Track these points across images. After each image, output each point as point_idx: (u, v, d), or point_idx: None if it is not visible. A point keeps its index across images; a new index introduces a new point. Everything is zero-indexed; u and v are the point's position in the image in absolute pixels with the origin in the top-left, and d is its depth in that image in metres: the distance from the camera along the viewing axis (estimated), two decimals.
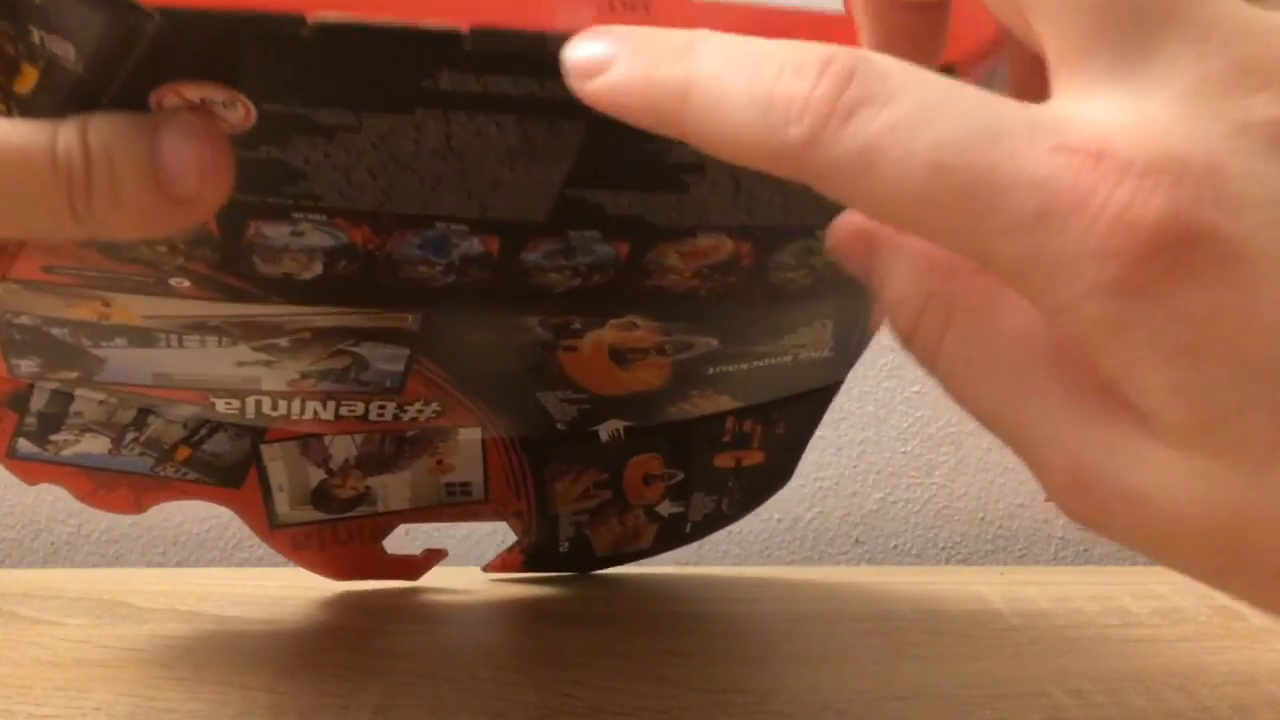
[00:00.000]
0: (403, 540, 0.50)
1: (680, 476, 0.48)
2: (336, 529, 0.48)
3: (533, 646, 0.46)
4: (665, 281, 0.34)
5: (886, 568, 0.66)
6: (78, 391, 0.41)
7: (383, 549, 0.49)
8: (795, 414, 0.48)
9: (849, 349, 0.44)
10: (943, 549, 0.68)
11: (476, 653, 0.45)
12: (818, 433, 0.66)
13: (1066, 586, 0.55)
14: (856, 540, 0.67)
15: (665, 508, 0.49)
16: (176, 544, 0.66)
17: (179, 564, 0.66)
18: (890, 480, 0.67)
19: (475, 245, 0.31)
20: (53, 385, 0.40)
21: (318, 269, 0.31)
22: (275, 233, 0.29)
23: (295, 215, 0.29)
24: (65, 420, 0.42)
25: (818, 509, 0.67)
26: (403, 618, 0.49)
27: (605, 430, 0.46)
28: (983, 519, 0.68)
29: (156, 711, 0.40)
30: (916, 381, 0.66)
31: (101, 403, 0.41)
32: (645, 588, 0.52)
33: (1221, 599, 0.52)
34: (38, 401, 0.41)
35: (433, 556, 0.51)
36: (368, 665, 0.44)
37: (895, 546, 0.68)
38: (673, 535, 0.51)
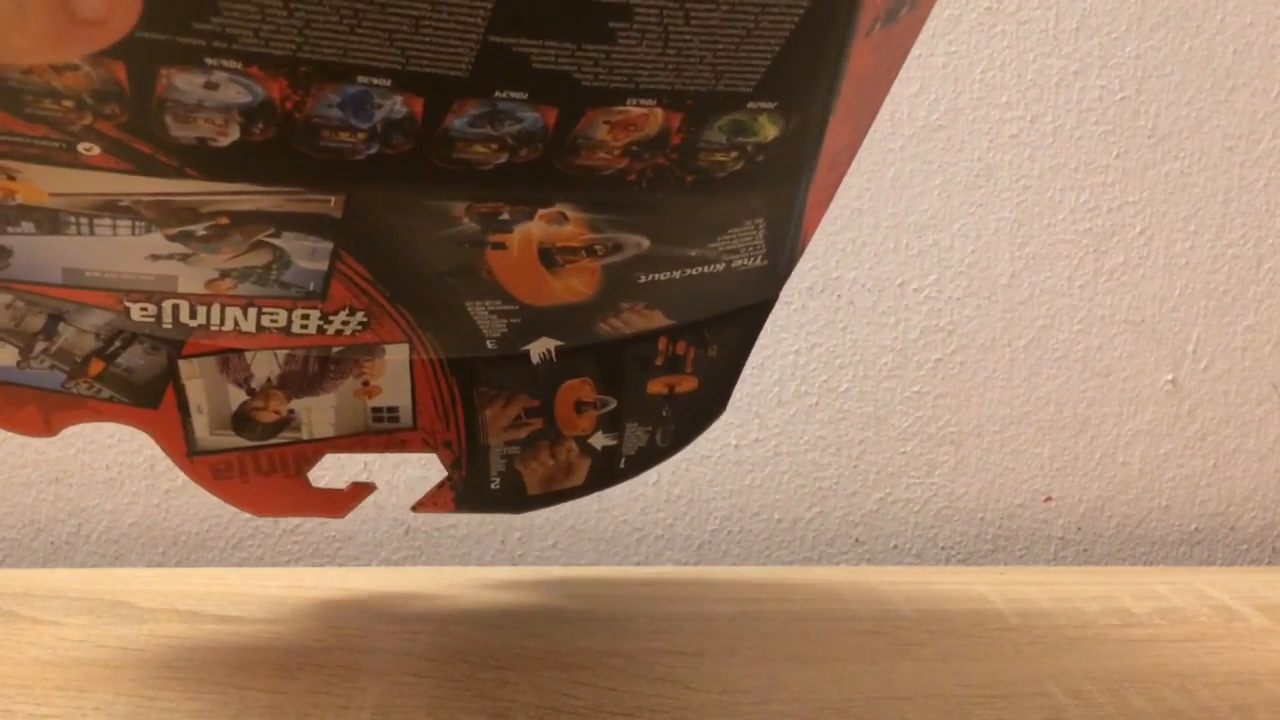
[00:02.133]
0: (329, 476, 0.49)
1: (613, 404, 0.47)
2: (259, 457, 0.46)
3: (533, 646, 0.46)
4: (594, 160, 0.33)
5: (886, 568, 0.66)
6: None
7: (308, 481, 0.48)
8: (728, 336, 0.47)
9: (782, 257, 0.43)
10: (943, 549, 0.68)
11: (476, 653, 0.45)
12: (817, 432, 0.66)
13: (1066, 586, 0.55)
14: (856, 540, 0.67)
15: (598, 439, 0.48)
16: (176, 544, 0.66)
17: (179, 564, 0.66)
18: (890, 480, 0.67)
19: (398, 106, 0.30)
20: None
21: (234, 133, 0.30)
22: (187, 84, 0.28)
23: (208, 61, 0.28)
24: None
25: (818, 509, 0.67)
26: (403, 618, 0.49)
27: (536, 351, 0.45)
28: (983, 519, 0.68)
29: (156, 711, 0.40)
30: (916, 381, 0.66)
31: (8, 307, 0.39)
32: (645, 588, 0.52)
33: (1222, 599, 0.53)
34: None
35: (360, 491, 0.49)
36: (368, 665, 0.43)
37: (895, 546, 0.68)
38: (606, 471, 0.49)
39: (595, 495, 0.65)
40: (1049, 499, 0.68)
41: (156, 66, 0.28)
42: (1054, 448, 0.67)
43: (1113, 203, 0.66)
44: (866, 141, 0.61)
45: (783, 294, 0.60)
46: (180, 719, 0.39)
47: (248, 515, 0.64)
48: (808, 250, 0.65)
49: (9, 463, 0.64)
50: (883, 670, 0.43)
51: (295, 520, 0.64)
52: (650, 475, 0.66)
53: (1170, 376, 0.67)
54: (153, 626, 0.47)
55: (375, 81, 0.29)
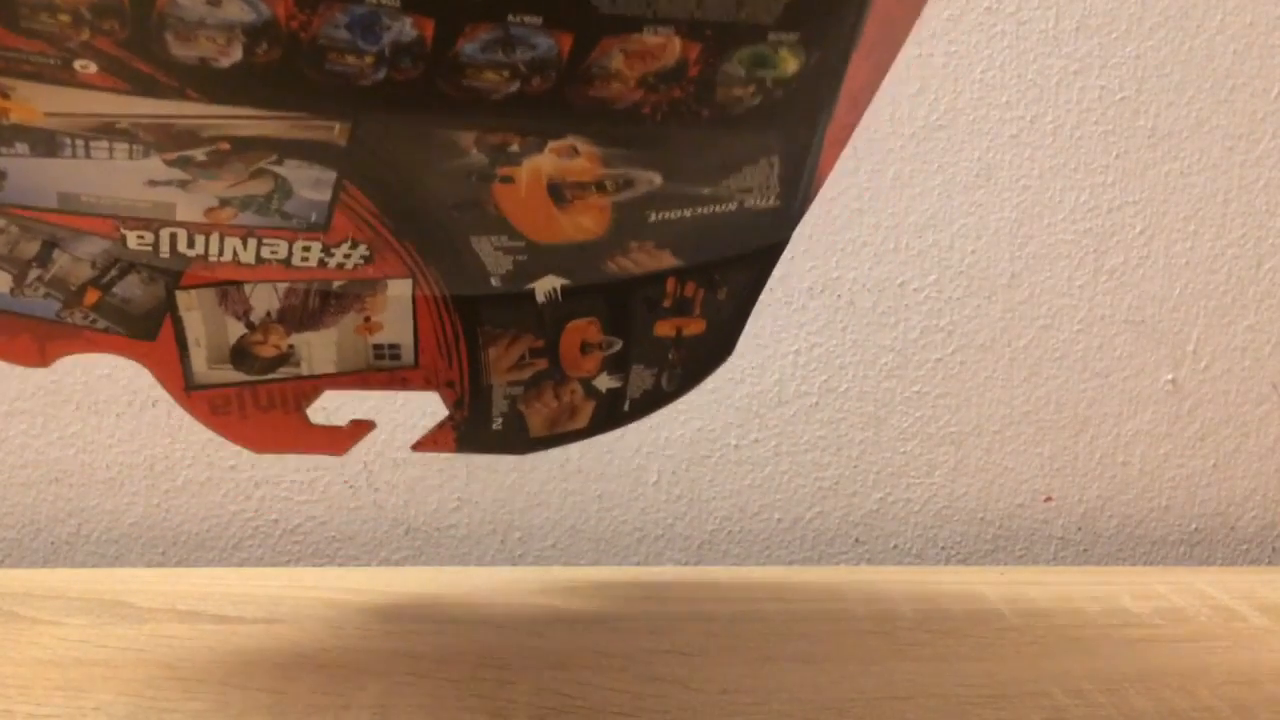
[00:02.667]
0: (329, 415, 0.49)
1: (619, 346, 0.46)
2: (257, 392, 0.45)
3: (533, 646, 0.46)
4: (608, 92, 0.33)
5: (886, 568, 0.66)
6: None
7: (307, 418, 0.47)
8: (738, 279, 0.46)
9: (796, 197, 0.42)
10: (943, 549, 0.68)
11: (476, 653, 0.45)
12: (817, 432, 0.66)
13: (1066, 586, 0.55)
14: (856, 540, 0.67)
15: (603, 381, 0.47)
16: (176, 544, 0.66)
17: (179, 564, 0.66)
18: (890, 480, 0.67)
19: (408, 28, 0.29)
20: None
21: (236, 53, 0.29)
22: (189, 0, 0.28)
23: None
24: None
25: (818, 509, 0.67)
26: (403, 618, 0.49)
27: (541, 290, 0.44)
28: (983, 519, 0.68)
29: (156, 711, 0.40)
30: (917, 381, 0.66)
31: (1, 232, 0.38)
32: (645, 588, 0.52)
33: (1222, 599, 0.53)
34: None
35: (359, 428, 0.48)
36: (368, 665, 0.43)
37: (895, 546, 0.68)
38: (610, 414, 0.48)
39: (595, 495, 0.65)
40: (1049, 499, 0.68)
41: None
42: (1054, 448, 0.67)
43: (1113, 203, 0.66)
44: (866, 141, 0.62)
45: (783, 294, 0.60)
46: (180, 719, 0.39)
47: (248, 515, 0.64)
48: (808, 250, 0.65)
49: (9, 463, 0.64)
50: (883, 670, 0.43)
51: (295, 520, 0.64)
52: (650, 475, 0.66)
53: (1170, 376, 0.67)
54: (153, 626, 0.47)
55: (384, 1, 0.28)
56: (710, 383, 0.66)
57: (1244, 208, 0.66)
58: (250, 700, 0.40)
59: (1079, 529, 0.68)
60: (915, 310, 0.66)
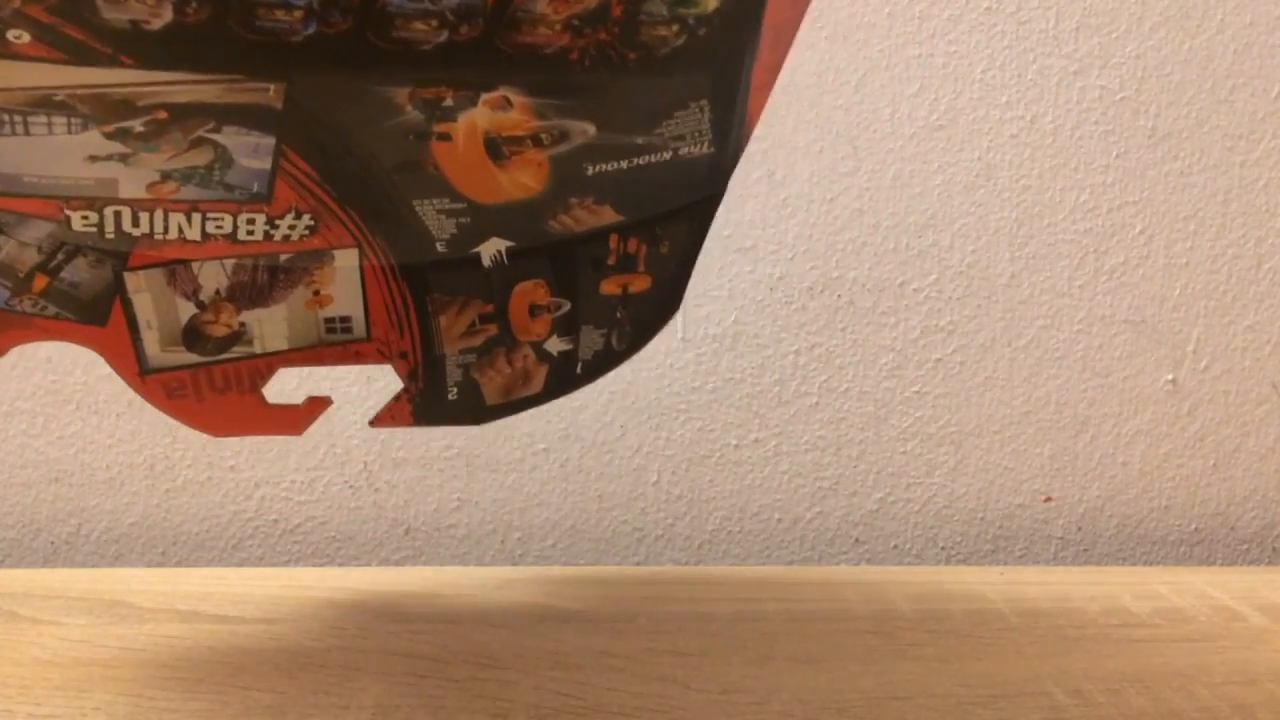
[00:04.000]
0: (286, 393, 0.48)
1: (567, 307, 0.46)
2: (212, 374, 0.45)
3: (533, 646, 0.46)
4: (536, 37, 0.33)
5: (886, 568, 0.66)
6: None
7: (263, 398, 0.47)
8: (678, 231, 0.46)
9: (728, 143, 0.42)
10: (943, 549, 0.68)
11: (476, 653, 0.45)
12: (817, 432, 0.66)
13: (1066, 586, 0.55)
14: (856, 540, 0.67)
15: (554, 344, 0.47)
16: (176, 544, 0.66)
17: (179, 564, 0.66)
18: (890, 480, 0.67)
19: None
20: None
21: (167, 14, 0.29)
22: None
23: None
24: None
25: (818, 509, 0.67)
26: (403, 618, 0.49)
27: (487, 253, 0.44)
28: (983, 519, 0.68)
29: (156, 711, 0.40)
30: (916, 381, 0.66)
31: None
32: (645, 588, 0.52)
33: (1222, 599, 0.53)
34: None
35: (316, 405, 0.48)
36: (368, 665, 0.43)
37: (895, 546, 0.68)
38: (564, 377, 0.49)
39: (595, 495, 0.65)
40: (1049, 499, 0.68)
41: None
42: (1054, 448, 0.67)
43: (1113, 203, 0.66)
44: (867, 141, 0.62)
45: (783, 294, 0.60)
46: (180, 719, 0.39)
47: (248, 515, 0.64)
48: (808, 250, 0.65)
49: (9, 463, 0.64)
50: (883, 670, 0.43)
51: (295, 520, 0.64)
52: (650, 475, 0.66)
53: (1170, 376, 0.67)
54: (153, 626, 0.47)
55: None
56: (710, 383, 0.66)
57: (1244, 208, 0.66)
58: (250, 700, 0.40)
59: (1079, 529, 0.68)
60: (915, 310, 0.66)
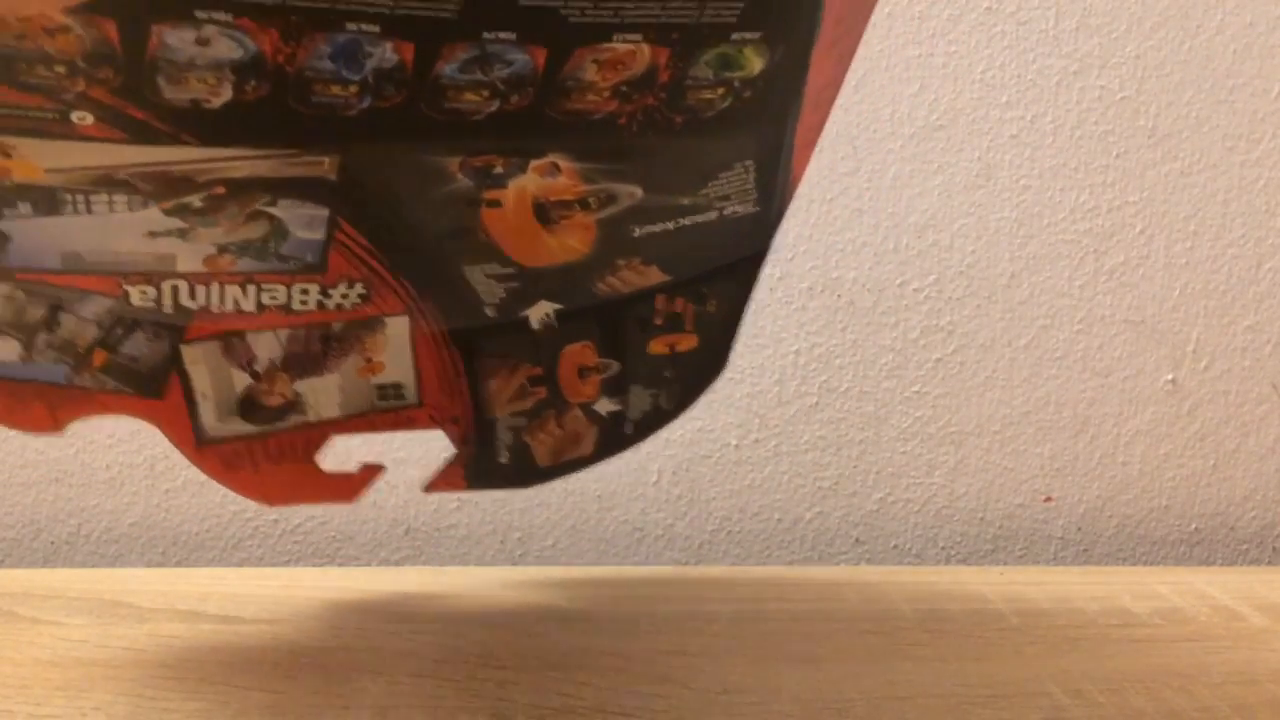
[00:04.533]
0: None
1: (615, 368, 0.46)
2: (268, 444, 0.46)
3: (533, 646, 0.46)
4: (584, 104, 0.33)
5: (886, 568, 0.66)
6: None
7: (318, 466, 0.47)
8: (725, 290, 0.46)
9: (773, 203, 0.43)
10: (943, 549, 0.68)
11: (476, 653, 0.45)
12: (817, 432, 0.66)
13: (1066, 586, 0.55)
14: (856, 540, 0.67)
15: (603, 405, 0.47)
16: (176, 544, 0.66)
17: (179, 564, 0.66)
18: (890, 480, 0.67)
19: (388, 53, 0.30)
20: None
21: (227, 92, 0.30)
22: (179, 41, 0.28)
23: (199, 15, 0.28)
24: None
25: (818, 509, 0.67)
26: (403, 618, 0.49)
27: (536, 317, 0.44)
28: (983, 519, 0.68)
29: (156, 711, 0.40)
30: (916, 381, 0.66)
31: (8, 298, 0.39)
32: (645, 588, 0.52)
33: (1222, 599, 0.53)
34: None
35: (370, 473, 0.48)
36: (368, 665, 0.43)
37: (895, 546, 0.68)
38: (613, 437, 0.49)
39: (595, 495, 0.65)
40: (1049, 499, 0.68)
41: (148, 23, 0.28)
42: (1054, 448, 0.67)
43: (1113, 203, 0.66)
44: (867, 141, 0.62)
45: (783, 294, 0.60)
46: (180, 719, 0.39)
47: (248, 515, 0.64)
48: (808, 250, 0.65)
49: (9, 463, 0.64)
50: (883, 670, 0.43)
51: (295, 520, 0.64)
52: (650, 475, 0.66)
53: (1170, 376, 0.67)
54: (153, 626, 0.47)
55: (364, 28, 0.29)
56: None
57: (1244, 208, 0.66)
58: (250, 700, 0.40)
59: (1079, 529, 0.68)
60: (915, 310, 0.66)
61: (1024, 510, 0.68)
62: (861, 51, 0.64)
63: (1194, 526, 0.68)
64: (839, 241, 0.65)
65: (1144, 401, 0.67)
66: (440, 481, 0.49)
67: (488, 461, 0.48)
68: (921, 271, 0.66)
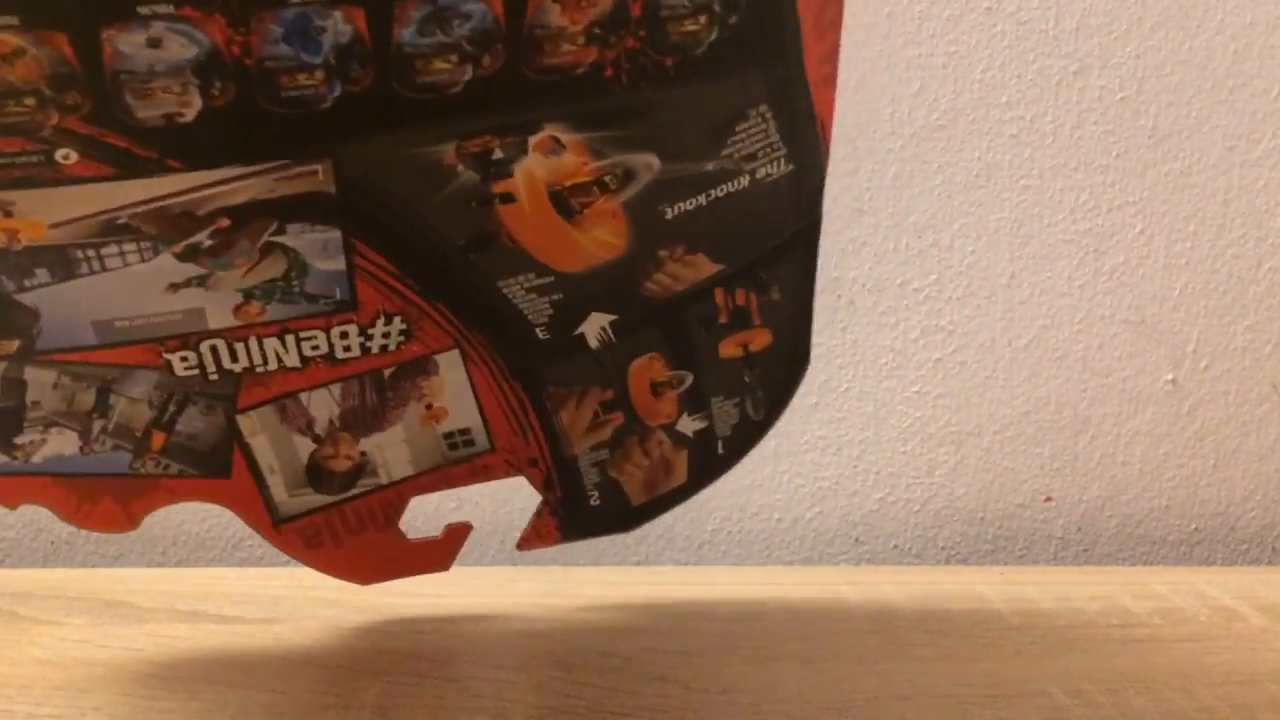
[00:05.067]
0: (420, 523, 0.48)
1: (690, 379, 0.44)
2: (345, 514, 0.45)
3: (533, 646, 0.46)
4: (561, 56, 0.33)
5: (886, 568, 0.66)
6: (28, 373, 0.38)
7: (402, 534, 0.46)
8: (785, 272, 0.44)
9: (807, 156, 0.41)
10: (943, 549, 0.68)
11: (476, 653, 0.45)
12: (817, 432, 0.66)
13: (1066, 586, 0.55)
14: (856, 540, 0.67)
15: (687, 424, 0.45)
16: (176, 544, 0.66)
17: (179, 564, 0.66)
18: (890, 480, 0.67)
19: (340, 24, 0.30)
20: (1, 366, 0.38)
21: (196, 100, 0.30)
22: (131, 47, 0.29)
23: (141, 10, 0.28)
24: (25, 416, 0.39)
25: (818, 509, 0.67)
26: (403, 618, 0.49)
27: (592, 333, 0.42)
28: (983, 519, 0.68)
29: (156, 711, 0.40)
30: (917, 381, 0.66)
31: (55, 386, 0.39)
32: (645, 588, 0.52)
33: (1222, 599, 0.53)
34: None
35: (456, 533, 0.48)
36: (368, 665, 0.43)
37: (895, 546, 0.68)
38: (707, 460, 0.46)
39: None
40: (1049, 499, 0.68)
41: (96, 29, 0.28)
42: (1054, 448, 0.67)
43: (1113, 203, 0.66)
44: (867, 141, 0.61)
45: None
46: (180, 719, 0.39)
47: None
48: None
49: None
50: (883, 670, 0.43)
51: None
52: None
53: (1170, 376, 0.67)
54: (153, 626, 0.47)
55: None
56: None
57: (1244, 208, 0.66)
58: (250, 700, 0.40)
59: (1079, 529, 0.68)
60: (915, 310, 0.66)
61: (1024, 510, 0.68)
62: (861, 52, 0.64)
63: (1194, 526, 0.68)
64: (839, 241, 0.65)
65: (1144, 401, 0.67)
66: (532, 537, 0.47)
67: (578, 505, 0.46)
68: (921, 271, 0.66)
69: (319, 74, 0.31)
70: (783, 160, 0.40)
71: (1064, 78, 0.65)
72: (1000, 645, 0.46)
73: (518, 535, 0.69)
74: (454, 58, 0.32)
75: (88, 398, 0.40)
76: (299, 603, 0.49)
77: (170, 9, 0.28)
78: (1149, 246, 0.66)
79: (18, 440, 0.40)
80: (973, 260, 0.66)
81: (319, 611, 0.48)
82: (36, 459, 0.40)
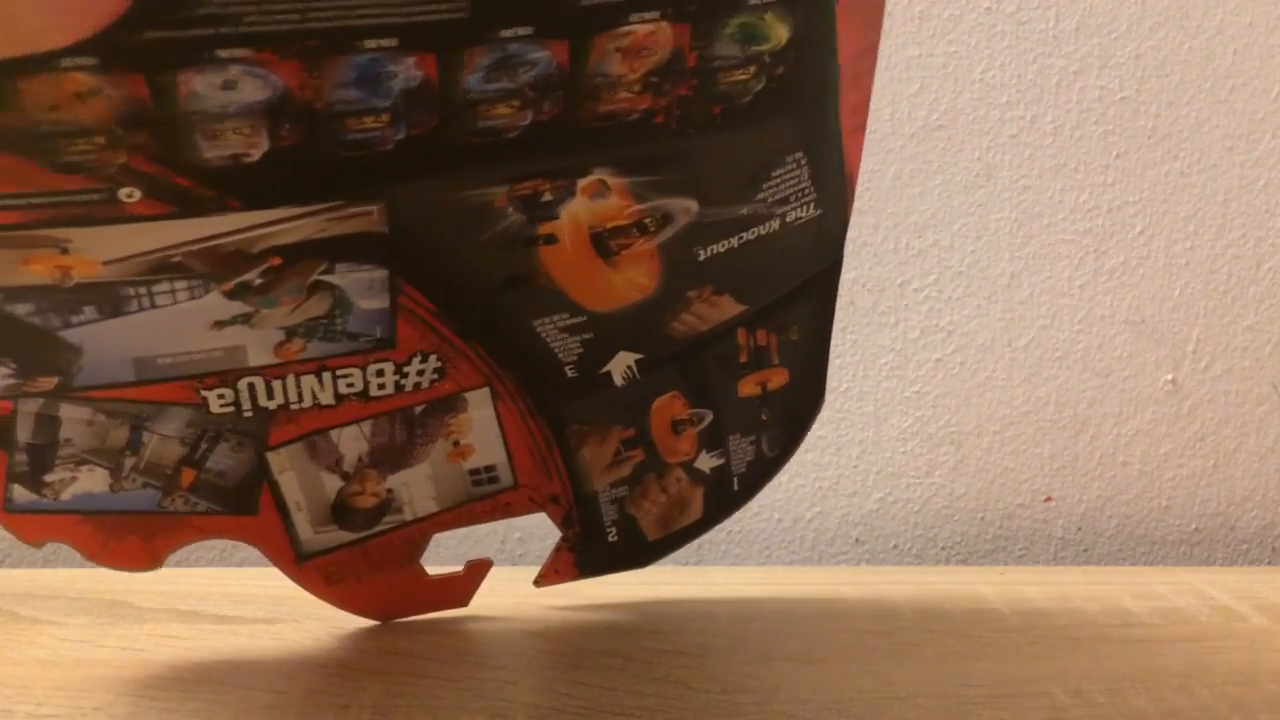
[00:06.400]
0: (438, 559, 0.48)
1: (709, 417, 0.45)
2: (368, 550, 0.45)
3: (533, 646, 0.46)
4: (617, 103, 0.33)
5: (886, 568, 0.66)
6: (62, 410, 0.38)
7: (422, 570, 0.46)
8: (804, 312, 0.45)
9: (833, 202, 0.41)
10: (943, 549, 0.68)
11: (476, 653, 0.45)
12: (817, 432, 0.66)
13: (1066, 586, 0.55)
14: (856, 540, 0.67)
15: (704, 461, 0.46)
16: None
17: (179, 564, 0.66)
18: (890, 480, 0.67)
19: (412, 70, 0.30)
20: (35, 403, 0.38)
21: (263, 142, 0.30)
22: (207, 89, 0.29)
23: (220, 55, 0.28)
24: (57, 452, 0.39)
25: (818, 509, 0.67)
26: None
27: (617, 372, 0.43)
28: (983, 519, 0.68)
29: (156, 711, 0.40)
30: (917, 381, 0.66)
31: (89, 423, 0.39)
32: (645, 588, 0.52)
33: (1222, 599, 0.53)
34: (24, 431, 0.38)
35: (477, 569, 0.48)
36: (368, 665, 0.44)
37: (895, 546, 0.68)
38: (722, 496, 0.47)
39: None
40: (1049, 499, 0.68)
41: (173, 70, 0.28)
42: (1054, 448, 0.67)
43: (1113, 203, 0.66)
44: (867, 141, 0.61)
45: None
46: (180, 719, 0.39)
47: None
48: None
49: None
50: (883, 670, 0.43)
51: None
52: None
53: (1170, 376, 0.67)
54: (153, 626, 0.47)
55: (383, 44, 0.29)
56: None
57: (1244, 208, 0.66)
58: (250, 700, 0.40)
59: (1079, 529, 0.68)
60: (915, 310, 0.66)
61: (1024, 510, 0.68)
62: None
63: (1194, 526, 0.68)
64: None
65: (1144, 401, 0.67)
66: (550, 573, 0.48)
67: (596, 541, 0.47)
68: (921, 271, 0.66)
69: (385, 117, 0.31)
70: (812, 204, 0.41)
71: (1064, 78, 0.65)
72: (1000, 645, 0.46)
73: (517, 535, 0.69)
74: (516, 103, 0.32)
75: (120, 435, 0.39)
76: (299, 603, 0.49)
77: (250, 53, 0.29)
78: (1149, 246, 0.66)
79: (48, 478, 0.40)
80: (973, 260, 0.66)
81: (319, 611, 0.48)
82: (65, 496, 0.40)
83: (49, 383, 0.37)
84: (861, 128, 0.42)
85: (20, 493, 0.40)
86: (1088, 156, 0.65)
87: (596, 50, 0.32)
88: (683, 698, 0.41)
